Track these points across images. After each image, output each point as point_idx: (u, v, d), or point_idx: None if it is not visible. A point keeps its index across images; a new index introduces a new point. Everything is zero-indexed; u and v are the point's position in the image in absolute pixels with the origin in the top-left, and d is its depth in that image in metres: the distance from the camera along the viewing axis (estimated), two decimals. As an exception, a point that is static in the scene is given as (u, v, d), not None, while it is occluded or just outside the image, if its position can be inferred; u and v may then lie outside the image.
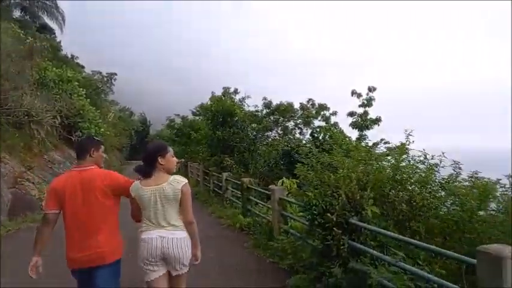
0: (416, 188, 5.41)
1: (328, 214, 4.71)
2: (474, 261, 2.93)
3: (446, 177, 5.57)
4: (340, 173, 5.11)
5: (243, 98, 16.84)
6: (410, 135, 5.93)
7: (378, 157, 6.11)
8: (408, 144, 5.92)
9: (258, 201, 9.05)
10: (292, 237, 6.29)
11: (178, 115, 28.61)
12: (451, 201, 5.04)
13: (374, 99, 16.49)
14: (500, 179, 4.94)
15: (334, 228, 4.66)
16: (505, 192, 4.95)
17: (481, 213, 4.90)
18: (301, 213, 7.19)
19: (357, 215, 4.77)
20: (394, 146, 6.23)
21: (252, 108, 16.24)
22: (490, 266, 2.71)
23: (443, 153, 5.76)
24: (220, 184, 12.58)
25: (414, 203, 5.26)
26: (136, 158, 41.64)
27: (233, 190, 11.44)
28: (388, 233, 4.56)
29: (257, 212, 8.59)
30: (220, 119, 14.94)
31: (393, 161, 6.01)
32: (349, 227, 4.75)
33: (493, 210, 4.79)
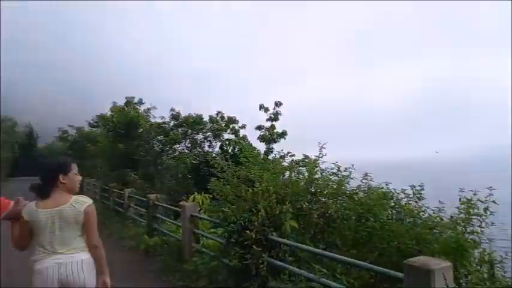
0: (330, 200, 5.45)
1: (247, 231, 4.42)
2: (400, 274, 2.88)
3: (355, 188, 5.74)
4: (258, 186, 4.86)
5: (149, 109, 15.88)
6: (323, 147, 6.00)
7: (293, 168, 6.05)
8: (321, 157, 5.98)
9: (165, 218, 8.37)
10: (205, 257, 5.83)
11: (72, 126, 26.10)
12: (363, 210, 5.14)
13: (280, 113, 16.97)
14: (406, 189, 5.19)
15: (254, 246, 4.38)
16: (409, 201, 5.22)
17: (379, 220, 5.08)
18: (212, 230, 6.80)
19: (276, 231, 4.57)
20: (310, 158, 6.23)
21: (158, 120, 15.39)
22: (418, 279, 2.66)
23: (352, 165, 5.96)
24: (122, 201, 11.49)
25: (328, 215, 5.28)
26: (19, 175, 36.75)
27: (137, 208, 10.49)
28: (306, 247, 4.45)
29: (165, 231, 7.92)
30: (123, 131, 13.83)
31: (307, 174, 6.01)
32: (268, 244, 4.52)
33: (401, 219, 4.98)
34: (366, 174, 5.44)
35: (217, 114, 16.79)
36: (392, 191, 5.38)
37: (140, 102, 16.93)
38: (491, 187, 4.13)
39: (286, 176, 5.96)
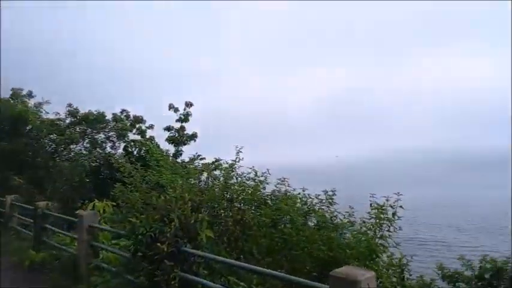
0: (246, 206, 5.27)
1: (158, 244, 3.95)
2: (325, 286, 2.77)
3: (270, 193, 5.66)
4: (171, 193, 4.43)
5: (40, 104, 13.98)
6: (240, 151, 5.81)
7: (210, 172, 5.73)
8: (238, 161, 5.77)
9: (57, 230, 7.30)
10: (106, 274, 5.14)
11: None
12: (279, 216, 5.05)
13: (191, 114, 16.48)
14: (319, 194, 5.25)
15: (165, 260, 3.93)
16: (322, 207, 5.29)
17: (295, 227, 5.06)
18: (114, 242, 6.10)
19: (190, 242, 4.19)
20: (220, 161, 5.98)
21: (52, 116, 13.65)
22: (344, 291, 2.57)
23: (267, 170, 5.87)
24: (3, 210, 9.82)
25: (243, 222, 5.09)
26: None
27: (21, 217, 9.04)
28: (222, 258, 4.17)
29: (56, 244, 6.88)
30: (7, 127, 11.93)
31: (222, 179, 5.75)
32: (181, 257, 4.11)
33: (317, 225, 5.00)
34: (282, 180, 5.38)
35: (121, 113, 15.58)
36: (307, 196, 5.43)
37: (30, 95, 14.87)
38: (399, 192, 4.37)
39: (201, 181, 5.60)
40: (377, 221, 4.37)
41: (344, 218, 4.96)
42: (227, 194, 5.40)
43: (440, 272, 8.18)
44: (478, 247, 22.71)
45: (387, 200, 4.35)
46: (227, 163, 5.97)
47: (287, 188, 5.36)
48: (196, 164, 9.60)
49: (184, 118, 16.28)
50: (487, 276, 7.97)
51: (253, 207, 5.40)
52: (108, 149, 14.42)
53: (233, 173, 5.74)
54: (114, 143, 14.47)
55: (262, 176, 5.57)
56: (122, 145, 14.47)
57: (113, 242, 6.09)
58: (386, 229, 4.31)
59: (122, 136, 14.46)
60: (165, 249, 3.96)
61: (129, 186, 5.36)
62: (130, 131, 15.01)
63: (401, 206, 4.30)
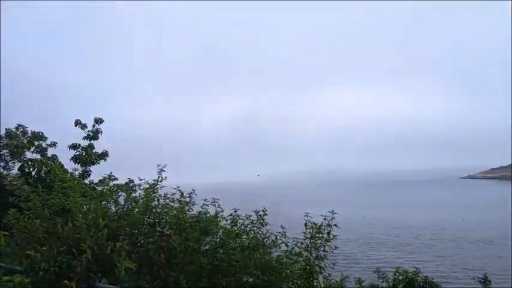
0: (171, 231, 4.74)
1: (66, 281, 3.27)
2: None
3: (196, 214, 5.22)
4: (81, 219, 3.75)
5: None
6: (163, 170, 5.28)
7: (129, 193, 5.07)
8: (160, 181, 5.22)
9: None
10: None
11: None
12: (210, 241, 4.63)
13: (101, 131, 15.17)
14: (251, 215, 4.97)
15: (74, 301, 3.25)
16: (252, 228, 5.01)
17: (226, 251, 4.71)
18: (6, 278, 5.04)
19: (106, 276, 3.56)
20: (145, 182, 5.36)
21: None
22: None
23: (193, 190, 5.43)
24: None
25: (168, 249, 4.56)
26: None
27: None
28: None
29: None
30: None
31: (142, 201, 5.13)
32: (94, 294, 3.46)
33: (241, 247, 4.67)
34: (214, 200, 4.98)
35: (17, 128, 13.65)
36: (237, 217, 5.12)
37: None
38: (333, 211, 4.29)
39: (119, 204, 4.93)
40: (312, 240, 4.22)
41: (276, 238, 4.74)
42: (149, 217, 4.82)
43: (358, 286, 8.45)
44: (383, 259, 24.63)
45: (325, 219, 4.24)
46: (148, 183, 5.38)
47: (217, 209, 4.97)
48: (112, 185, 8.69)
49: (93, 135, 14.91)
50: (400, 287, 8.46)
51: (178, 231, 4.89)
52: (0, 170, 12.44)
53: (155, 194, 5.17)
54: (7, 162, 12.54)
55: (188, 197, 5.11)
56: (18, 165, 12.60)
57: (5, 279, 5.04)
58: (322, 249, 4.18)
59: (17, 154, 12.59)
60: (74, 287, 3.30)
61: (27, 212, 4.46)
62: (28, 148, 13.18)
63: (335, 225, 4.23)
